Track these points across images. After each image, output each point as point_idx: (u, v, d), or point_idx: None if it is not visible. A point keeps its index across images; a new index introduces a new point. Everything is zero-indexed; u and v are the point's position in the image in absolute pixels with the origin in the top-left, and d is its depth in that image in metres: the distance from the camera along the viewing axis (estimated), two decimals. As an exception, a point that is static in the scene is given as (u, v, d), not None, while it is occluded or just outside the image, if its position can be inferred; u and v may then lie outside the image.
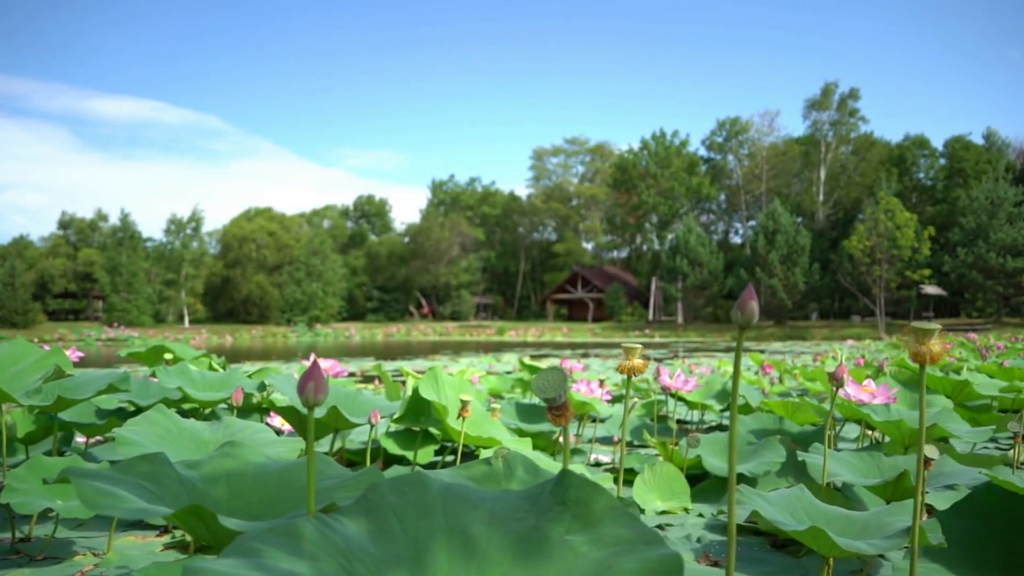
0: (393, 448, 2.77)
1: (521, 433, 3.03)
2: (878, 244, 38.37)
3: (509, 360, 13.56)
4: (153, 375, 2.61)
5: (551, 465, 2.00)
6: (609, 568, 0.71)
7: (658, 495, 2.62)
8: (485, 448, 2.19)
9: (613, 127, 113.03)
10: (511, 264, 66.13)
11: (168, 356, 3.06)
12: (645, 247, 57.98)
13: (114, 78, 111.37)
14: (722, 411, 4.38)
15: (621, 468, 1.64)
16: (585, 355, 17.42)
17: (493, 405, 2.58)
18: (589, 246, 66.33)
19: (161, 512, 0.79)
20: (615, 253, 65.78)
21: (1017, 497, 1.63)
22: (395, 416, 2.23)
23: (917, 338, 1.04)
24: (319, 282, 51.65)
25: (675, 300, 48.09)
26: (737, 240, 55.69)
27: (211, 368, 3.16)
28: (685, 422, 4.87)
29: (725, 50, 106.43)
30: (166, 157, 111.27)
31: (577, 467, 3.40)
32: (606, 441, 4.17)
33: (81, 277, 56.94)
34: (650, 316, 51.35)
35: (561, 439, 4.00)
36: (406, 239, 64.79)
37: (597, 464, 3.44)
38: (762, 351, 19.51)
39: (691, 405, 4.54)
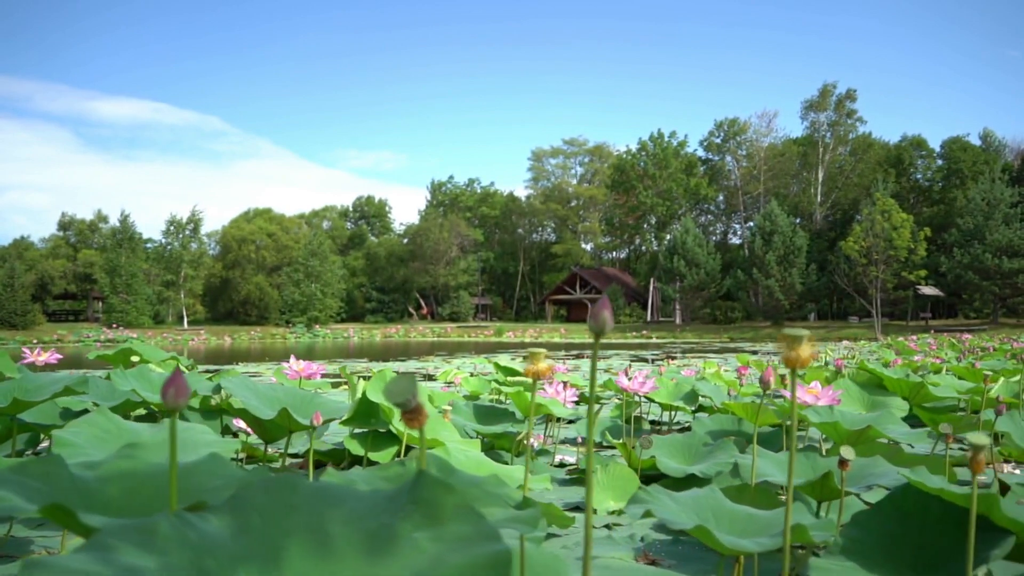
0: (357, 449, 2.82)
1: (478, 434, 3.07)
2: (874, 245, 38.42)
3: (502, 361, 13.60)
4: (108, 377, 2.66)
5: (483, 465, 2.05)
6: (442, 562, 0.75)
7: (611, 495, 2.66)
8: (430, 449, 2.24)
9: (612, 128, 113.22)
10: (510, 265, 66.19)
11: (135, 358, 3.11)
12: (644, 248, 58.03)
13: (115, 79, 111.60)
14: (694, 412, 4.43)
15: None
16: (579, 356, 17.47)
17: (445, 407, 2.62)
18: (588, 247, 66.39)
19: (28, 509, 0.84)
20: (614, 254, 65.84)
21: (931, 498, 1.67)
22: (343, 418, 2.28)
23: (788, 344, 1.08)
24: (318, 283, 51.72)
25: (673, 301, 48.13)
26: (736, 241, 55.73)
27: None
28: (658, 423, 4.91)
29: (723, 51, 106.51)
30: (167, 158, 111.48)
31: (541, 467, 3.45)
32: (584, 442, 4.22)
33: (81, 278, 57.03)
34: (648, 317, 51.39)
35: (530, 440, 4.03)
36: (405, 240, 64.85)
37: (562, 465, 3.48)
38: (755, 352, 19.55)
39: (664, 407, 4.59)
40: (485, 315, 62.93)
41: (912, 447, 3.19)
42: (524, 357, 1.45)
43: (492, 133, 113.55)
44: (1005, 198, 37.99)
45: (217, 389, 2.32)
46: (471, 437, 2.74)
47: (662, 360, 14.33)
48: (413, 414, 0.83)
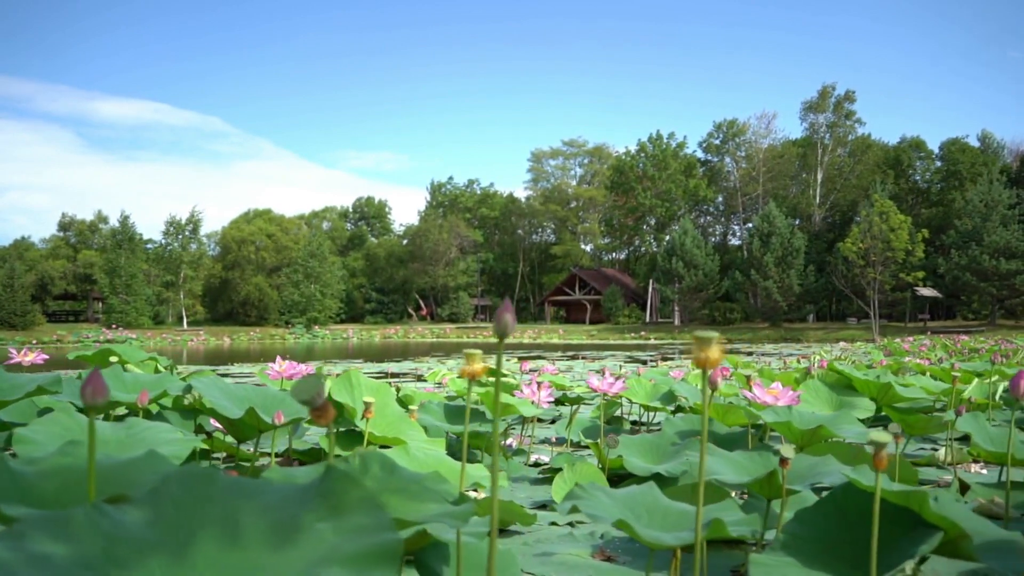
0: (335, 448, 2.87)
1: (456, 435, 3.13)
2: (872, 246, 38.45)
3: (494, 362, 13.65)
4: (79, 377, 2.71)
5: (442, 463, 2.09)
6: (337, 550, 0.80)
7: (577, 494, 2.70)
8: (390, 447, 2.29)
9: (611, 129, 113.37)
10: (509, 266, 66.25)
11: (114, 359, 3.17)
12: (643, 249, 58.09)
13: (117, 80, 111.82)
14: (673, 412, 4.47)
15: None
16: (574, 357, 17.52)
17: (412, 408, 2.67)
18: (587, 248, 66.44)
19: (-47, 502, 0.89)
20: (613, 255, 65.89)
21: (869, 495, 1.72)
22: (308, 418, 2.33)
23: (698, 346, 1.13)
24: (317, 284, 51.79)
25: (671, 302, 48.17)
26: (735, 242, 55.78)
27: (156, 371, 3.26)
28: (639, 423, 4.97)
29: (723, 52, 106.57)
30: (168, 158, 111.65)
31: (516, 466, 3.50)
32: (558, 442, 4.27)
33: (81, 279, 57.12)
34: (647, 318, 51.43)
35: (513, 438, 4.08)
36: (404, 241, 64.93)
37: (536, 464, 3.53)
38: (751, 353, 19.59)
39: (645, 407, 4.64)
40: (484, 316, 62.98)
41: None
42: (466, 355, 1.50)
43: (492, 134, 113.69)
44: (1003, 200, 38.03)
45: (188, 389, 2.36)
46: (446, 436, 2.79)
47: (655, 361, 14.36)
48: (319, 412, 0.88)
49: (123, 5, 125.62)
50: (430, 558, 1.56)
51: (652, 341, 35.88)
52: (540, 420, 5.18)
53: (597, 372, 4.80)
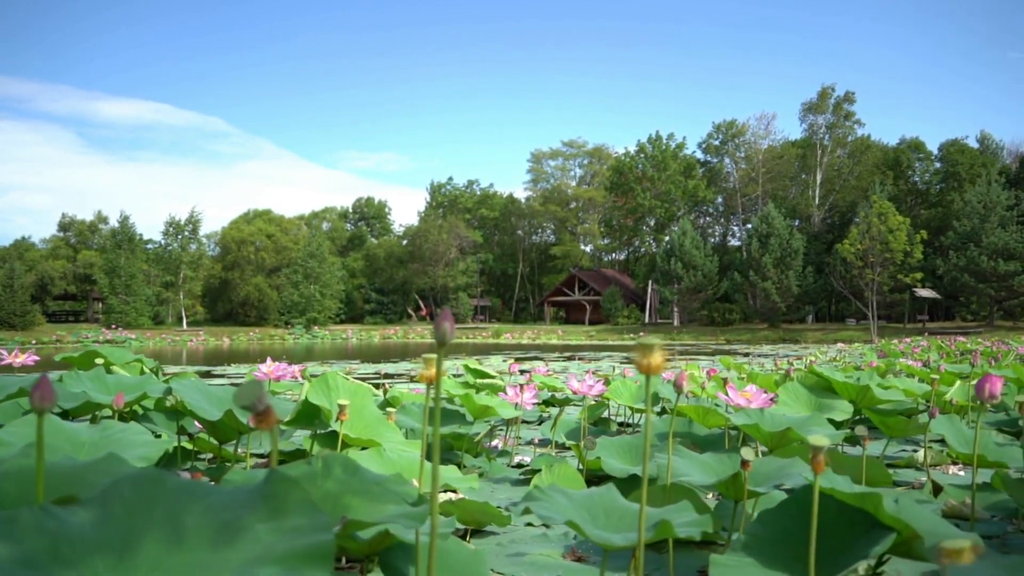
0: (314, 449, 2.91)
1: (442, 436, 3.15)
2: (870, 248, 38.48)
3: (492, 363, 13.69)
4: (60, 380, 2.75)
5: (416, 465, 2.13)
6: (272, 550, 0.84)
7: (554, 495, 2.74)
8: (365, 448, 2.32)
9: (611, 129, 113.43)
10: (509, 266, 66.28)
11: (99, 360, 3.20)
12: (642, 250, 58.12)
13: (118, 80, 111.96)
14: (659, 414, 4.50)
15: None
16: (571, 358, 17.55)
17: (390, 410, 2.70)
18: (587, 248, 66.47)
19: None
20: (613, 256, 65.92)
21: (828, 497, 1.75)
22: (287, 419, 2.37)
23: (641, 352, 1.17)
24: (317, 284, 51.82)
25: (671, 303, 48.20)
26: (735, 243, 55.81)
27: (142, 372, 3.30)
28: (626, 424, 5.00)
29: (722, 53, 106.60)
30: (169, 159, 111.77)
31: (499, 468, 3.54)
32: (543, 443, 4.30)
33: (81, 279, 57.18)
34: (646, 319, 51.45)
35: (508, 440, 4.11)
36: (404, 241, 64.96)
37: (520, 466, 3.56)
38: (747, 354, 19.62)
39: (632, 409, 4.67)
40: (484, 316, 63.02)
41: (843, 448, 3.26)
42: (423, 360, 1.53)
43: (492, 134, 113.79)
44: (1001, 201, 38.05)
45: (168, 392, 2.40)
46: (424, 438, 2.82)
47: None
48: (261, 416, 0.91)
49: (124, 5, 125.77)
50: (395, 558, 1.59)
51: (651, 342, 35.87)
52: (528, 421, 5.22)
53: (586, 373, 4.85)
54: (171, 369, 13.00)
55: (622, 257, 64.60)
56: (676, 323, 48.36)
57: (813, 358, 12.49)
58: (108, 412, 3.42)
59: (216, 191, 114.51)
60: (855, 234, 39.29)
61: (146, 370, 3.38)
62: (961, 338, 22.47)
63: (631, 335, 41.88)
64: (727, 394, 2.57)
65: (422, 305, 61.56)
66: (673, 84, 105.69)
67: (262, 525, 0.88)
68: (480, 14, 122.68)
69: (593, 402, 4.65)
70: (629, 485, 2.67)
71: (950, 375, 4.65)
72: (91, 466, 1.18)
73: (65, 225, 63.93)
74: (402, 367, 13.51)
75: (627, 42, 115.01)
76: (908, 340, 22.17)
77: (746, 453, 1.74)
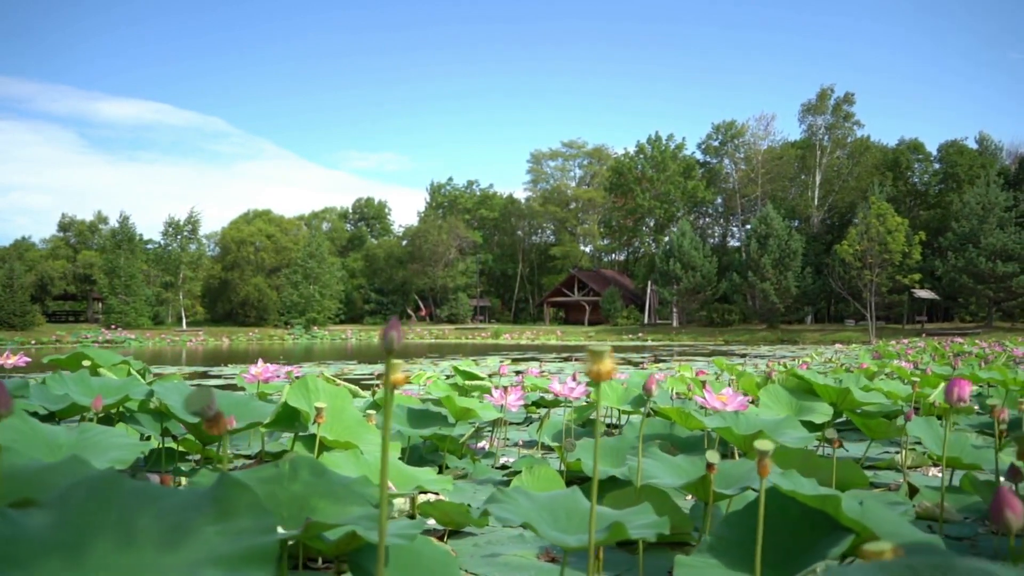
0: (300, 450, 2.94)
1: (423, 438, 3.19)
2: (869, 248, 38.50)
3: (488, 364, 13.71)
4: (43, 382, 2.78)
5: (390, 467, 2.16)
6: (218, 551, 0.87)
7: (534, 497, 2.77)
8: (345, 450, 2.35)
9: (611, 130, 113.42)
10: (509, 267, 66.31)
11: (86, 363, 3.23)
12: (642, 250, 58.15)
13: (118, 80, 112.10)
14: (647, 415, 4.53)
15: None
16: (568, 358, 17.58)
17: (370, 412, 2.74)
18: (587, 249, 66.50)
19: None
20: (612, 256, 65.95)
21: (790, 499, 1.78)
22: (266, 422, 2.40)
23: (591, 359, 1.19)
24: (316, 285, 51.85)
25: (670, 303, 48.22)
26: (735, 243, 55.84)
27: (129, 374, 3.33)
28: (614, 426, 5.03)
29: (721, 53, 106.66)
30: (170, 159, 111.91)
31: (483, 469, 3.57)
32: (528, 445, 4.33)
33: (81, 279, 57.25)
34: (646, 319, 51.47)
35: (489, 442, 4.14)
36: (404, 242, 65.00)
37: (504, 467, 3.59)
38: (744, 355, 19.64)
39: (620, 411, 4.70)
40: (484, 317, 63.05)
41: (822, 450, 3.29)
42: (387, 365, 1.56)
43: (492, 135, 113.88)
44: (999, 202, 38.08)
45: (150, 394, 2.43)
46: (408, 440, 2.85)
47: (645, 363, 14.43)
48: (212, 422, 0.94)
49: (124, 5, 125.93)
50: (363, 559, 1.62)
51: (649, 343, 35.94)
52: (517, 423, 5.25)
53: (569, 376, 4.89)
54: (168, 369, 13.03)
55: (622, 258, 64.64)
56: (675, 324, 48.37)
57: (809, 359, 12.51)
58: (98, 414, 3.46)
59: (216, 191, 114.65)
60: (854, 235, 39.32)
61: (133, 372, 3.42)
62: (958, 339, 22.49)
63: (630, 336, 41.90)
64: (704, 397, 2.60)
65: (422, 305, 61.61)
66: (673, 85, 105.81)
67: (210, 527, 0.91)
68: (480, 14, 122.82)
69: (584, 403, 4.69)
70: (608, 486, 2.70)
71: (936, 377, 4.67)
72: (54, 468, 1.21)
73: (65, 225, 64.01)
74: (403, 368, 13.52)
75: (627, 43, 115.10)
76: (906, 341, 22.19)
77: (711, 456, 1.77)
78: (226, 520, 0.92)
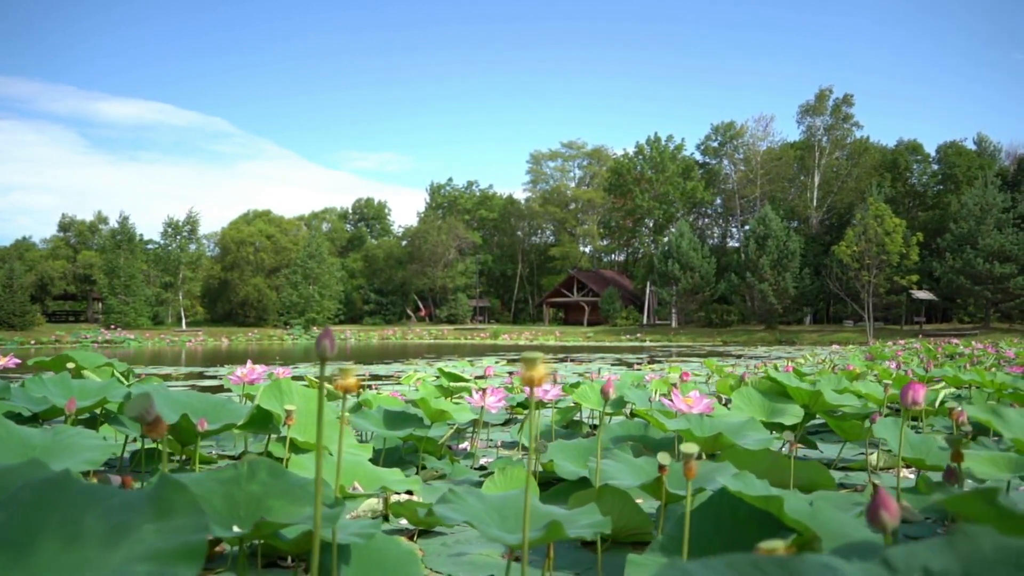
0: (279, 451, 3.00)
1: (404, 439, 3.25)
2: (867, 250, 38.55)
3: (483, 365, 13.76)
4: (23, 385, 2.83)
5: (360, 468, 2.21)
6: (152, 548, 0.93)
7: (506, 497, 2.82)
8: (311, 452, 2.41)
9: (610, 130, 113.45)
10: (508, 267, 66.37)
11: (70, 365, 3.29)
12: (641, 251, 58.20)
13: (120, 80, 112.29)
14: (631, 416, 4.59)
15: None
16: (564, 359, 17.64)
17: (344, 413, 2.79)
18: (586, 249, 66.54)
19: None
20: (612, 257, 66.00)
21: (739, 500, 1.84)
22: (240, 423, 2.45)
23: (526, 366, 1.25)
24: (316, 285, 51.92)
25: (669, 304, 48.28)
26: (734, 244, 55.89)
27: (112, 376, 3.39)
28: (597, 427, 5.08)
29: (721, 54, 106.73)
30: (171, 159, 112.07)
31: (461, 470, 3.62)
32: (509, 446, 4.39)
33: (81, 279, 57.36)
34: (645, 320, 51.52)
35: (477, 442, 4.20)
36: (404, 242, 65.07)
37: (483, 468, 3.65)
38: (740, 355, 19.69)
39: (605, 413, 4.75)
40: (483, 317, 63.11)
41: (780, 451, 3.34)
42: (340, 371, 1.62)
43: (491, 135, 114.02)
44: (997, 203, 38.13)
45: (128, 397, 2.48)
46: (384, 441, 2.90)
47: (641, 363, 14.48)
48: (150, 427, 1.00)
49: (126, 5, 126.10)
50: (322, 557, 1.68)
51: (648, 343, 35.98)
52: (502, 424, 5.31)
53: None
54: (164, 370, 13.09)
55: (621, 258, 64.69)
56: (674, 324, 48.42)
57: (803, 360, 12.57)
58: (82, 416, 3.52)
59: (218, 191, 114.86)
60: (851, 236, 39.38)
61: (117, 374, 3.48)
62: (955, 340, 22.54)
63: (629, 336, 41.96)
64: (671, 399, 2.65)
65: (421, 306, 61.67)
66: (672, 85, 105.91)
67: (149, 526, 0.97)
68: (480, 14, 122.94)
69: (572, 404, 4.75)
70: (577, 487, 2.76)
71: (918, 379, 4.73)
72: (14, 470, 1.26)
73: (65, 225, 64.12)
74: (393, 368, 13.59)
75: (626, 43, 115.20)
76: (902, 342, 22.24)
77: (663, 458, 1.83)
78: (163, 519, 0.97)
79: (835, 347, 24.46)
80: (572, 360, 17.19)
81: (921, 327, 39.17)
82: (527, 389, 3.93)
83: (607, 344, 35.23)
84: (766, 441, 2.52)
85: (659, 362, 15.62)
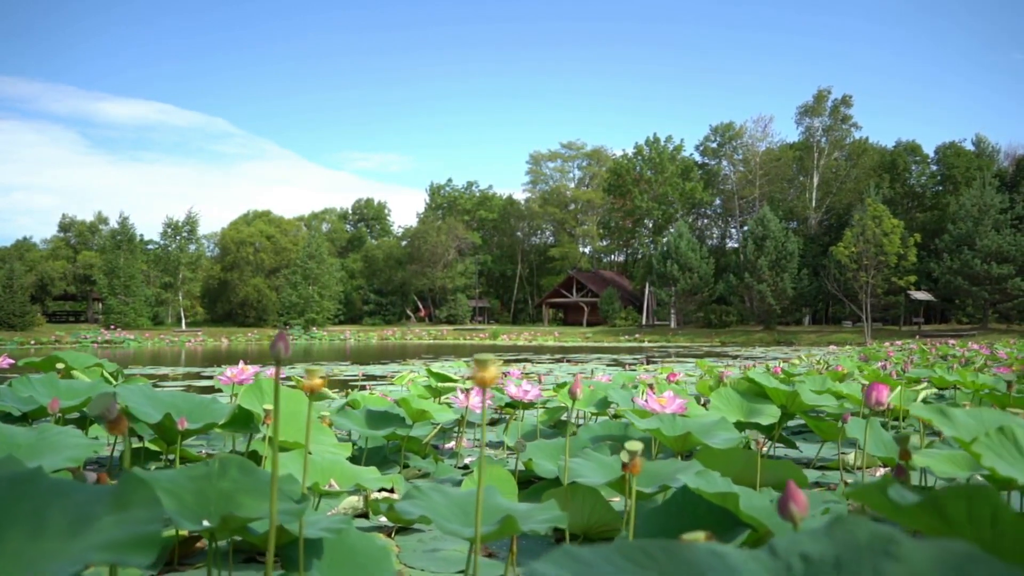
0: (263, 450, 3.06)
1: (385, 438, 3.31)
2: (865, 250, 38.61)
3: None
4: (10, 385, 2.90)
5: (336, 466, 2.28)
6: (110, 538, 0.99)
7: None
8: (291, 450, 2.47)
9: (609, 131, 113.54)
10: (508, 268, 66.43)
11: (60, 365, 3.35)
12: (641, 252, 58.26)
13: (122, 80, 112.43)
14: (615, 416, 4.64)
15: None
16: (561, 360, 17.70)
17: (324, 414, 2.85)
18: (586, 250, 66.60)
19: None
20: (611, 257, 66.06)
21: (698, 497, 1.90)
22: (221, 423, 2.51)
23: (478, 367, 1.31)
24: (315, 286, 51.99)
25: (668, 305, 48.34)
26: (733, 245, 55.95)
27: (103, 377, 3.45)
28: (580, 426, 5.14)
29: (720, 55, 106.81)
30: (173, 159, 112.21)
31: (446, 469, 3.69)
32: (495, 445, 4.45)
33: (81, 279, 57.45)
34: (644, 320, 51.57)
35: (462, 441, 4.26)
36: (403, 243, 65.15)
37: (466, 467, 3.71)
38: (736, 356, 19.75)
39: (592, 413, 4.81)
40: (483, 317, 63.17)
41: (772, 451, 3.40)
42: (307, 371, 1.68)
43: (491, 136, 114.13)
44: (995, 204, 38.18)
45: (112, 396, 2.55)
46: (366, 441, 2.96)
47: (635, 364, 14.54)
48: (112, 424, 1.06)
49: (128, 5, 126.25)
50: (291, 550, 1.74)
51: (646, 344, 36.04)
52: (491, 424, 5.36)
53: (522, 379, 5.01)
54: (161, 370, 13.16)
55: (620, 259, 64.74)
56: (673, 325, 48.47)
57: (798, 361, 12.62)
58: (71, 415, 3.58)
59: (219, 192, 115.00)
60: (849, 237, 39.44)
61: (105, 374, 3.53)
62: (951, 341, 22.58)
63: (627, 336, 42.01)
64: (644, 399, 2.71)
65: (421, 306, 61.74)
66: (671, 86, 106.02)
67: (109, 518, 1.03)
68: (481, 15, 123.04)
69: (565, 404, 4.80)
70: (555, 484, 2.82)
71: (892, 380, 4.79)
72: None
73: (65, 226, 64.22)
74: (390, 368, 13.65)
75: (625, 44, 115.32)
76: (899, 343, 22.29)
77: (624, 456, 1.88)
78: (122, 511, 1.03)
79: (832, 348, 24.51)
80: (568, 360, 17.24)
81: (920, 328, 39.21)
82: (477, 389, 3.99)
83: (605, 345, 35.27)
84: (735, 440, 2.58)
85: (655, 362, 15.67)
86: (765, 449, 3.78)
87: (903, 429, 4.03)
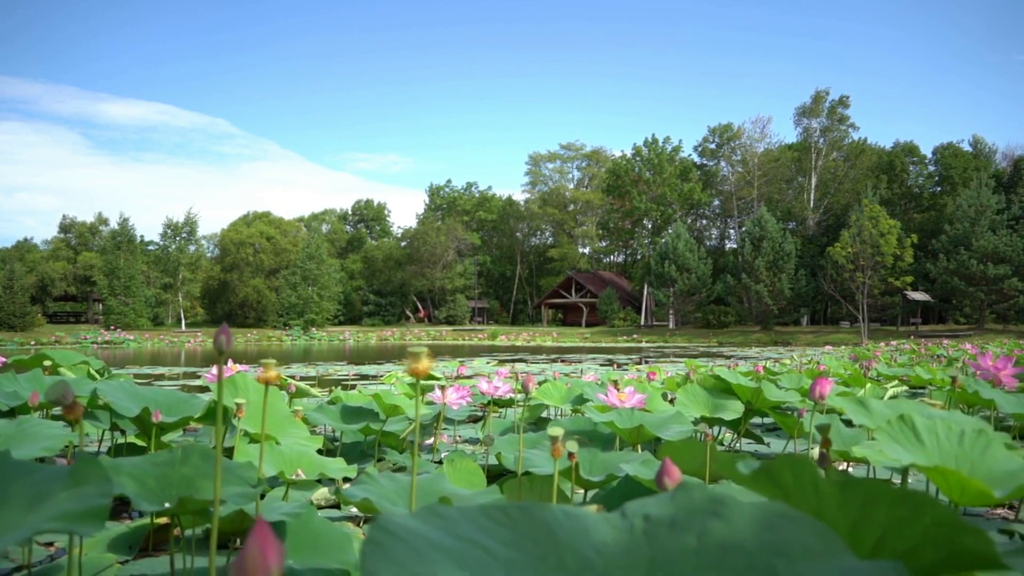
0: (240, 443, 3.18)
1: (366, 433, 3.42)
2: (861, 251, 38.70)
3: (475, 365, 13.93)
4: (-5, 382, 3.01)
5: (305, 458, 2.39)
6: (63, 510, 1.10)
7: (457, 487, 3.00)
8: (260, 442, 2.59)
9: (608, 132, 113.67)
10: (507, 268, 66.54)
11: (47, 363, 3.47)
12: (639, 252, 58.38)
13: (123, 81, 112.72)
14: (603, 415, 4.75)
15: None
16: (556, 360, 17.81)
17: (297, 408, 2.97)
18: (585, 251, 66.71)
19: None
20: (610, 258, 66.16)
21: (640, 486, 2.01)
22: (196, 416, 2.63)
23: (411, 359, 1.42)
24: (315, 286, 52.12)
25: (666, 305, 48.44)
26: (732, 245, 56.05)
27: (89, 375, 3.56)
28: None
29: (719, 56, 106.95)
30: (175, 160, 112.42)
31: (422, 463, 3.80)
32: (474, 441, 4.57)
33: (81, 280, 57.61)
34: (642, 321, 51.68)
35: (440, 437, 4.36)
36: (403, 243, 65.27)
37: (440, 462, 3.83)
38: (729, 356, 19.85)
39: (573, 410, 4.93)
40: (482, 318, 63.28)
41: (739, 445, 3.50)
42: (263, 364, 1.79)
43: (491, 137, 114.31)
44: (991, 205, 38.27)
45: (94, 392, 2.66)
46: (341, 434, 3.07)
47: (628, 364, 14.65)
48: (68, 409, 1.17)
49: (130, 5, 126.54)
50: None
51: (644, 344, 36.14)
52: (471, 421, 5.48)
53: (496, 375, 5.12)
54: (159, 370, 13.27)
55: (619, 260, 64.85)
56: (672, 325, 48.58)
57: (789, 360, 12.73)
58: (57, 410, 3.70)
59: (221, 192, 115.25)
60: (847, 237, 39.54)
61: (92, 371, 3.65)
62: (947, 341, 22.70)
63: (626, 337, 42.11)
64: (606, 394, 2.82)
65: (420, 307, 61.86)
66: (670, 87, 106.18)
67: (63, 493, 1.14)
68: (481, 17, 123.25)
69: (536, 403, 4.91)
70: (523, 476, 2.93)
71: (865, 379, 4.90)
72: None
73: (66, 227, 64.40)
74: (385, 368, 13.77)
75: (625, 45, 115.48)
76: (894, 343, 22.40)
77: (571, 446, 1.99)
78: (77, 487, 1.15)
79: (828, 348, 24.61)
80: (563, 360, 17.36)
81: (916, 328, 39.30)
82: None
83: (603, 345, 35.38)
84: (687, 433, 2.69)
85: (650, 362, 15.78)
86: (735, 444, 3.89)
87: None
